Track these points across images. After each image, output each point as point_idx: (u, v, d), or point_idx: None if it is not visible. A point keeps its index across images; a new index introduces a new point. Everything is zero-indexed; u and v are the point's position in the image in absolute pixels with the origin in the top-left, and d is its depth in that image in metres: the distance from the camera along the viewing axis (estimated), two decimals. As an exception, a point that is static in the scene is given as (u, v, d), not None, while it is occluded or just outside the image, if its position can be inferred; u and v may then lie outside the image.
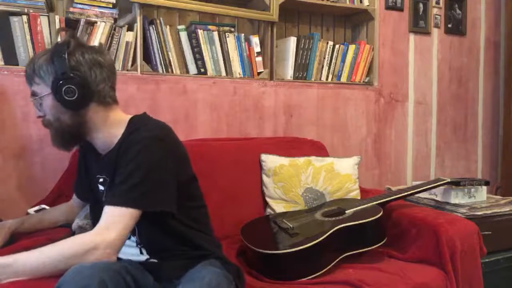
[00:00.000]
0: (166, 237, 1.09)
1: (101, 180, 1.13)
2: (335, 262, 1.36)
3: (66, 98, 1.01)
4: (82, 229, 1.24)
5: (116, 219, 0.95)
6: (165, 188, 1.03)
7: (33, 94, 1.08)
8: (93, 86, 1.05)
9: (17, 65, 1.63)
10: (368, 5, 2.32)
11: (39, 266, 0.91)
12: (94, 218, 1.21)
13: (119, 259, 1.04)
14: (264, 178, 1.80)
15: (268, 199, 1.78)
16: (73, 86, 1.01)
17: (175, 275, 1.02)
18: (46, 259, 0.91)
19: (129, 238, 1.10)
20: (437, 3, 2.57)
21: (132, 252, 1.10)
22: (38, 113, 1.09)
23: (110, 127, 1.10)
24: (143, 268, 1.04)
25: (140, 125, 1.07)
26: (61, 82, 1.01)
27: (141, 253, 1.10)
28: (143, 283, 1.00)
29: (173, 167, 1.05)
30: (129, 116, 1.13)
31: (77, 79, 1.02)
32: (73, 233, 1.27)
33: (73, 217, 1.32)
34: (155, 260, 1.09)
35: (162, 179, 1.02)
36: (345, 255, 1.39)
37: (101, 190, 1.14)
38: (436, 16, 2.58)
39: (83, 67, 1.04)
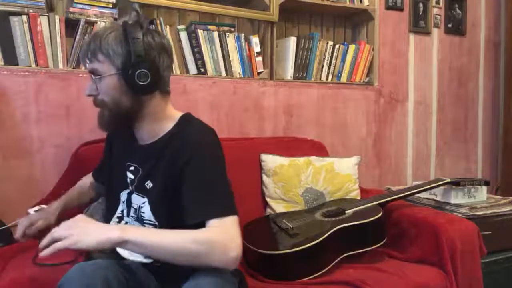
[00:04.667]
0: None
1: (131, 168, 1.10)
2: (335, 262, 1.36)
3: (138, 82, 0.97)
4: None
5: (230, 228, 0.93)
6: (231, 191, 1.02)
7: (93, 72, 1.01)
8: (161, 72, 1.02)
9: (17, 65, 1.63)
10: (368, 5, 2.32)
11: (177, 249, 0.88)
12: (110, 206, 1.17)
13: (123, 259, 1.03)
14: (264, 178, 1.80)
15: (268, 199, 1.78)
16: (146, 71, 0.97)
17: (179, 279, 1.00)
18: (187, 243, 0.88)
19: None
20: (437, 3, 2.57)
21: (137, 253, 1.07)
22: (91, 91, 1.02)
23: (162, 119, 1.06)
24: (147, 270, 1.03)
25: (194, 128, 1.05)
26: (135, 65, 0.96)
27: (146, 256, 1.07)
28: (146, 284, 0.99)
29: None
30: (180, 113, 1.09)
31: (149, 63, 0.98)
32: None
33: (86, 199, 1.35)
34: (159, 264, 1.07)
35: (229, 183, 1.02)
36: (345, 255, 1.39)
37: (129, 178, 1.10)
38: (436, 16, 2.58)
39: (154, 52, 1.00)
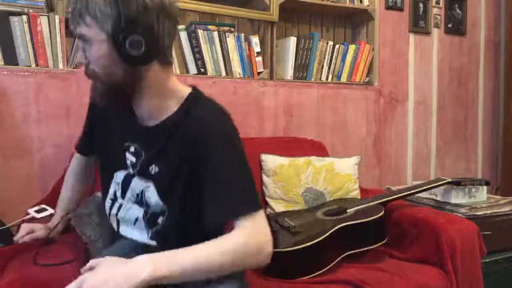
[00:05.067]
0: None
1: (131, 149, 0.99)
2: (336, 261, 1.36)
3: (130, 51, 0.83)
4: (77, 219, 1.22)
5: (260, 224, 0.89)
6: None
7: (81, 37, 0.86)
8: (160, 40, 0.87)
9: (17, 65, 1.63)
10: (368, 5, 2.32)
11: (215, 266, 0.82)
12: (104, 187, 1.08)
13: (129, 253, 1.01)
14: (264, 178, 1.80)
15: (268, 199, 1.78)
16: (140, 37, 0.82)
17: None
18: (223, 256, 0.82)
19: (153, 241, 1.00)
20: (437, 3, 2.57)
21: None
22: (81, 59, 0.89)
23: (164, 94, 0.93)
24: None
25: (208, 110, 0.94)
26: (126, 31, 0.81)
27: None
28: None
29: None
30: (188, 90, 0.97)
31: (144, 28, 0.83)
32: (68, 220, 1.25)
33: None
34: None
35: (251, 171, 0.94)
36: (346, 254, 1.39)
37: (130, 160, 0.99)
38: (436, 16, 2.58)
39: (151, 13, 0.84)
